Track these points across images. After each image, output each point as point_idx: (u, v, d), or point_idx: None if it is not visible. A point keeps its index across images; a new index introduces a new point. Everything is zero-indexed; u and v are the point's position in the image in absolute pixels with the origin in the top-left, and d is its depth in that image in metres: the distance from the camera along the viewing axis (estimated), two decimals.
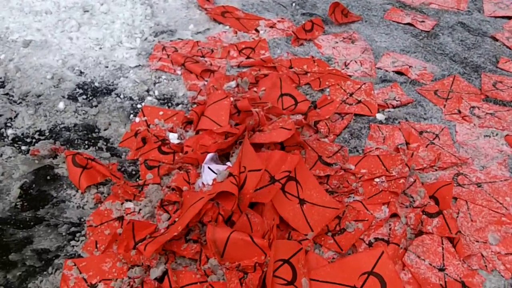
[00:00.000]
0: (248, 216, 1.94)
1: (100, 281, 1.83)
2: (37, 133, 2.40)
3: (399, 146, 2.46)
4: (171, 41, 3.13)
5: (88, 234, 1.99)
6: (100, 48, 2.98)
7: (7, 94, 2.61)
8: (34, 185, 2.15)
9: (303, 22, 3.37)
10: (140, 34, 3.15)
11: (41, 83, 2.68)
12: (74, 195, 2.12)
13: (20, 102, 2.57)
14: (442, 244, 2.02)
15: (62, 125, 2.46)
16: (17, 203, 2.08)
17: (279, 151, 2.10)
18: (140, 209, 2.08)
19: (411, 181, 2.27)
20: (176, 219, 1.96)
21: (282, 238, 2.00)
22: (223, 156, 2.28)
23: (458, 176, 2.35)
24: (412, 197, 2.21)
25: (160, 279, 1.81)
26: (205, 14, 3.43)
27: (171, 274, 1.80)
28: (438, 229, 2.04)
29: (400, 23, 3.52)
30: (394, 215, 2.12)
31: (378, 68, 3.04)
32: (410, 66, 3.06)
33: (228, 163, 2.17)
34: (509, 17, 3.70)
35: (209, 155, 2.18)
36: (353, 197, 2.20)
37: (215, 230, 1.85)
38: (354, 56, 3.11)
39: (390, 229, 2.09)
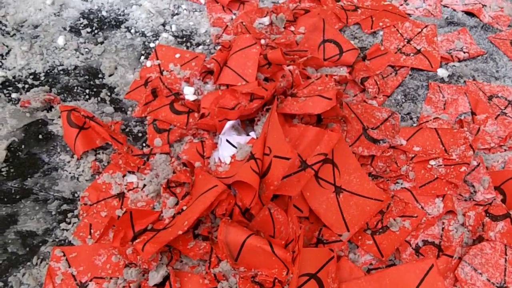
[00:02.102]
0: (271, 211, 1.58)
1: (91, 279, 1.54)
2: (31, 76, 2.04)
3: (463, 117, 2.01)
4: None
5: (81, 215, 1.68)
6: None
7: None
8: (23, 146, 1.83)
9: None
10: None
11: (40, 10, 2.26)
12: (69, 162, 1.79)
13: (14, 34, 2.17)
14: (506, 255, 1.64)
15: (60, 67, 2.08)
16: (3, 169, 1.76)
17: (313, 128, 1.68)
18: (144, 185, 1.75)
19: (474, 164, 1.84)
20: (184, 207, 1.62)
21: (311, 233, 1.66)
22: (247, 121, 1.88)
23: None
24: (473, 186, 1.80)
25: (160, 283, 1.51)
26: None
27: (174, 280, 1.49)
28: (502, 236, 1.65)
29: None
30: (450, 211, 1.74)
31: (444, 6, 2.49)
32: (483, 5, 2.49)
33: (252, 134, 1.78)
34: None
35: (229, 123, 1.79)
36: (402, 184, 1.81)
37: (229, 231, 1.51)
38: None
39: (443, 229, 1.71)
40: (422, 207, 1.74)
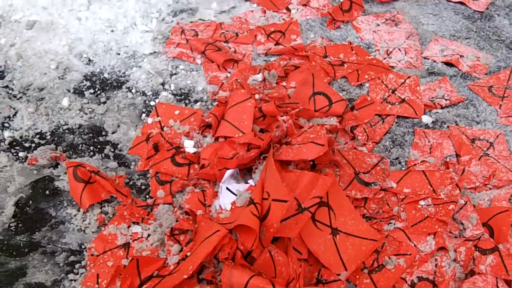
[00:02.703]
0: (271, 253, 1.66)
1: None
2: (37, 136, 2.14)
3: (448, 159, 2.12)
4: (191, 22, 2.79)
5: (88, 266, 1.74)
6: (112, 31, 2.67)
7: (6, 87, 2.34)
8: (31, 202, 1.91)
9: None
10: (157, 13, 2.81)
11: (45, 74, 2.40)
12: (75, 215, 1.87)
13: (20, 97, 2.29)
14: (497, 287, 1.71)
15: (65, 126, 2.19)
16: (11, 224, 1.84)
17: (308, 173, 1.79)
18: (148, 235, 1.82)
19: (462, 203, 1.94)
20: (188, 253, 1.69)
21: (311, 274, 1.73)
22: (245, 170, 1.99)
23: None
24: (462, 223, 1.89)
25: None
26: None
27: None
28: (492, 269, 1.73)
29: (450, 1, 3.09)
30: (441, 248, 1.82)
31: (424, 58, 2.66)
32: (461, 56, 2.67)
33: (250, 181, 1.88)
34: None
35: (228, 172, 1.89)
36: (394, 224, 1.90)
37: (232, 273, 1.58)
38: (398, 43, 2.73)
39: (436, 265, 1.79)
40: (415, 245, 1.82)
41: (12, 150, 2.08)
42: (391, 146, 2.20)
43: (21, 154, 2.06)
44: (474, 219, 1.88)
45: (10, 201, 1.89)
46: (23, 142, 2.12)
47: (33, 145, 2.11)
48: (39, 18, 2.70)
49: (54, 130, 2.18)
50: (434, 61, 2.64)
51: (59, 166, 2.02)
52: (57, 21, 2.69)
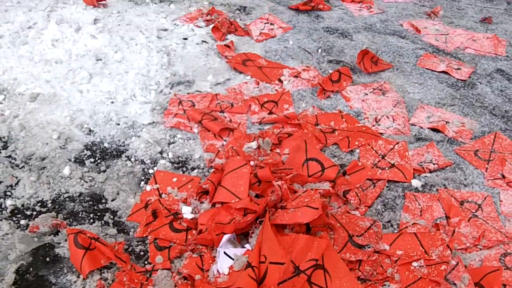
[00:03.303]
0: None
1: None
2: (39, 204, 2.20)
3: (438, 221, 2.19)
4: (188, 93, 2.92)
5: None
6: (112, 102, 2.79)
7: (9, 156, 2.42)
8: (31, 269, 1.93)
9: (330, 70, 3.15)
10: (156, 85, 2.95)
11: (47, 144, 2.48)
12: (75, 282, 1.89)
13: (23, 167, 2.37)
14: None
15: (66, 195, 2.25)
16: None
17: (304, 236, 1.85)
18: None
19: (453, 264, 1.99)
20: None
21: None
22: (242, 235, 2.04)
23: (505, 256, 2.07)
24: (455, 284, 1.93)
25: None
26: (225, 63, 3.23)
27: None
28: None
29: (434, 71, 3.26)
30: None
31: (412, 125, 2.78)
32: (446, 122, 2.79)
33: (247, 246, 1.93)
34: None
35: (226, 237, 1.94)
36: (389, 286, 1.94)
37: None
38: (386, 110, 2.86)
39: None
40: None
41: (14, 218, 2.13)
42: (383, 210, 2.26)
43: (22, 222, 2.11)
44: (466, 279, 1.93)
45: (11, 268, 1.92)
46: (24, 210, 2.17)
47: (35, 213, 2.16)
48: (42, 90, 2.82)
49: (55, 198, 2.23)
50: (421, 128, 2.76)
51: (59, 234, 2.07)
52: (60, 93, 2.81)
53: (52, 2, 3.74)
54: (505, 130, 2.79)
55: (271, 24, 3.67)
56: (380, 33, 3.61)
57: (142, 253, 2.03)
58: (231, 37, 3.51)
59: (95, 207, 2.21)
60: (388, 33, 3.62)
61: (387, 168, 2.46)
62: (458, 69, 3.26)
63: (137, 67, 3.06)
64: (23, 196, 2.23)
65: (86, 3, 3.70)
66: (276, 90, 3.00)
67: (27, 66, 3.02)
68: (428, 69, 3.29)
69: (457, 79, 3.19)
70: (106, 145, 2.54)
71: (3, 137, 2.53)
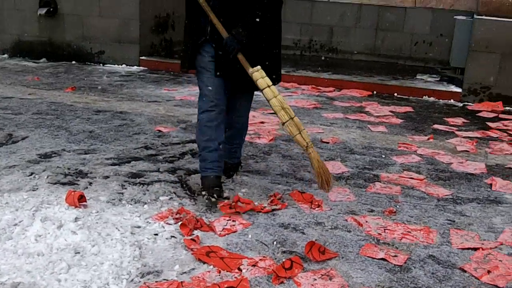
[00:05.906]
0: None
1: None
2: None
3: None
4: (156, 281, 3.26)
5: None
6: None
7: None
8: None
9: (283, 260, 3.57)
10: (127, 275, 3.29)
11: None
12: None
13: None
14: None
15: None
16: None
17: None
18: None
19: None
20: None
21: None
22: None
23: None
24: None
25: None
26: (190, 254, 3.63)
27: None
28: None
29: (374, 258, 3.72)
30: None
31: None
32: None
33: None
34: (475, 248, 3.92)
35: None
36: None
37: None
38: None
39: None
40: None
41: None
42: None
43: None
44: None
45: None
46: None
47: None
48: (23, 280, 3.13)
49: None
50: None
51: None
52: (39, 282, 3.12)
53: (38, 202, 4.22)
54: None
55: (233, 221, 4.18)
56: (328, 227, 4.14)
57: None
58: (197, 232, 3.97)
59: None
60: (334, 227, 4.16)
61: None
62: (395, 256, 3.73)
63: (111, 259, 3.44)
64: None
65: (69, 204, 4.19)
66: (235, 277, 3.37)
67: (11, 258, 3.37)
68: (369, 256, 3.74)
69: (394, 264, 3.64)
70: None
71: None
